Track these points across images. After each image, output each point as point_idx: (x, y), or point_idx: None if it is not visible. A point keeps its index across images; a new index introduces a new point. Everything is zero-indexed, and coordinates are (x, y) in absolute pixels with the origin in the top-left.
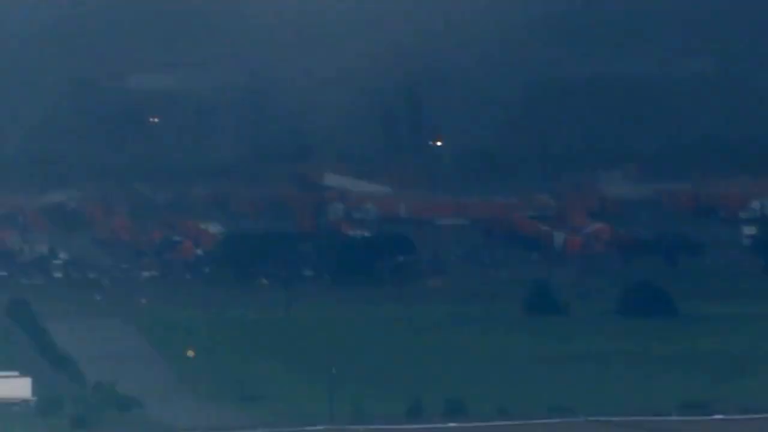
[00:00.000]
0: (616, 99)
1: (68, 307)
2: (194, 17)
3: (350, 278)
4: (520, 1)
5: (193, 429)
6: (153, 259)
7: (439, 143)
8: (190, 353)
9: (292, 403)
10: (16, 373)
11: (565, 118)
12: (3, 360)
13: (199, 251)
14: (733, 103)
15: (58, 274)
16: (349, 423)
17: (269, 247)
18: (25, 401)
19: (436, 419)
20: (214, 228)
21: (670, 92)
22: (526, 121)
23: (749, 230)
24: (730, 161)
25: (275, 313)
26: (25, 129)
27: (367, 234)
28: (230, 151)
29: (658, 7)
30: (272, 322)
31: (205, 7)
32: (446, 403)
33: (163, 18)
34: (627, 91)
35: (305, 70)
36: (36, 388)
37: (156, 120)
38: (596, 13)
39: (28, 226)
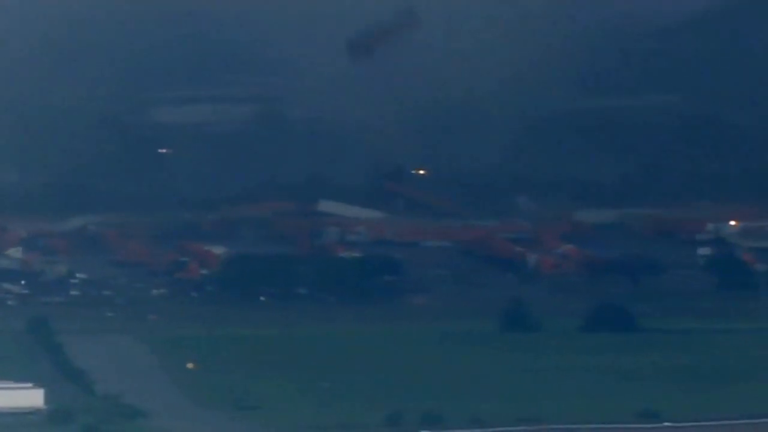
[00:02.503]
0: (587, 131)
1: (84, 324)
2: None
3: (342, 296)
4: (483, 29)
5: None
6: (162, 279)
7: (422, 172)
8: (190, 366)
9: (285, 413)
10: (30, 384)
11: (538, 149)
12: (20, 372)
13: (204, 271)
14: (693, 136)
15: (75, 293)
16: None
17: (268, 267)
18: (38, 410)
19: (414, 429)
20: (218, 250)
21: (635, 125)
22: (504, 152)
23: (705, 251)
24: (689, 188)
25: (272, 329)
26: (49, 160)
27: (358, 256)
28: (236, 180)
29: (625, 45)
30: (269, 337)
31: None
32: (425, 413)
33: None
34: (597, 124)
35: (306, 108)
36: (49, 399)
37: (167, 151)
38: (565, 51)
39: (50, 249)
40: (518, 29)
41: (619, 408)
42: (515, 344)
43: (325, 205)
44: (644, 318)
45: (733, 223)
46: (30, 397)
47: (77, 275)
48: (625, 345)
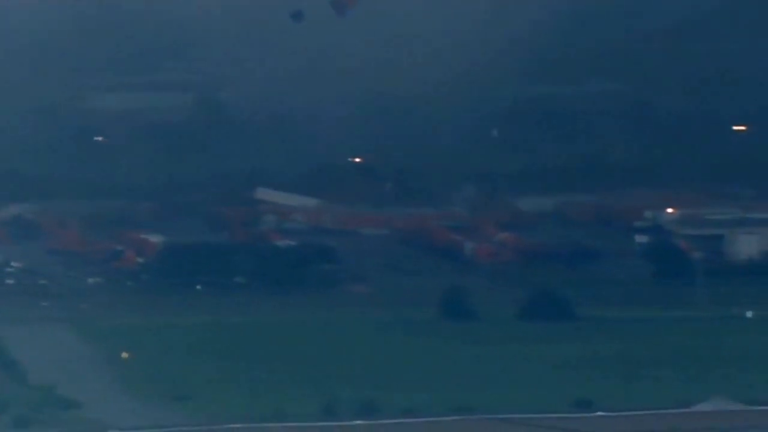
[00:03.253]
0: (524, 117)
1: (18, 313)
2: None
3: (278, 285)
4: (423, 18)
5: (127, 428)
6: (98, 268)
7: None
8: (124, 355)
9: (219, 402)
10: None
11: (474, 135)
12: None
13: (140, 260)
14: (630, 122)
15: (10, 281)
16: (267, 421)
17: (205, 256)
18: None
19: (348, 417)
20: (154, 239)
21: (573, 111)
22: (440, 139)
23: (643, 239)
24: (626, 175)
25: (208, 318)
26: None
27: (294, 244)
28: (172, 168)
29: (563, 32)
30: (205, 326)
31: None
32: (360, 402)
33: (116, 41)
34: (534, 110)
35: (244, 94)
36: None
37: (104, 139)
38: (507, 33)
39: None
40: (457, 16)
41: (553, 397)
42: (452, 332)
43: (262, 193)
44: (581, 306)
45: (670, 210)
46: None
47: (12, 264)
48: (561, 333)
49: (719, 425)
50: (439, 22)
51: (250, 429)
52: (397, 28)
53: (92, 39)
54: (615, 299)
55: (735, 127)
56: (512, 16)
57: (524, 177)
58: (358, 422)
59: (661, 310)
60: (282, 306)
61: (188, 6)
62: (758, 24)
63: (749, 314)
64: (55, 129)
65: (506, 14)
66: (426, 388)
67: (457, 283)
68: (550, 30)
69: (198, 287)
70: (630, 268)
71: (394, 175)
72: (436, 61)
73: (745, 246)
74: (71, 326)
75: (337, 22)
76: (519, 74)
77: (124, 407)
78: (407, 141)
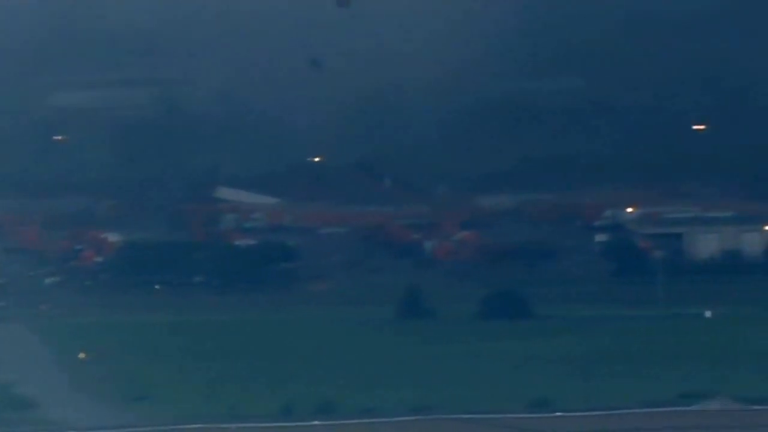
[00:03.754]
0: (485, 116)
1: None
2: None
3: (238, 283)
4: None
5: (85, 428)
6: (57, 266)
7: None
8: (81, 355)
9: (178, 402)
10: None
11: (434, 134)
12: None
13: (99, 259)
14: (589, 122)
15: None
16: (225, 421)
17: (164, 255)
18: None
19: (307, 417)
20: (113, 237)
21: (532, 110)
22: (401, 137)
23: (602, 237)
24: (585, 175)
25: (167, 317)
26: None
27: (254, 242)
28: (132, 167)
29: (523, 30)
30: (164, 325)
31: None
32: (318, 402)
33: (78, 39)
34: (493, 108)
35: (207, 93)
36: None
37: (64, 138)
38: (462, 35)
39: None
40: (416, 17)
41: (512, 396)
42: (412, 330)
43: (222, 192)
44: (541, 304)
45: (630, 209)
46: None
47: None
48: (521, 331)
49: (680, 424)
50: (401, 22)
51: (207, 430)
52: (358, 28)
53: (52, 36)
54: (574, 297)
55: (695, 127)
56: (475, 14)
57: (485, 176)
58: (317, 423)
59: (620, 309)
60: (242, 304)
61: (155, 4)
62: (722, 23)
63: (708, 314)
64: (13, 126)
65: (468, 13)
66: (385, 387)
67: (417, 281)
68: (513, 29)
69: (157, 286)
70: (589, 267)
71: (355, 174)
72: (397, 61)
73: (705, 245)
74: (29, 325)
75: (302, 23)
76: (479, 73)
77: (81, 407)
78: (368, 140)
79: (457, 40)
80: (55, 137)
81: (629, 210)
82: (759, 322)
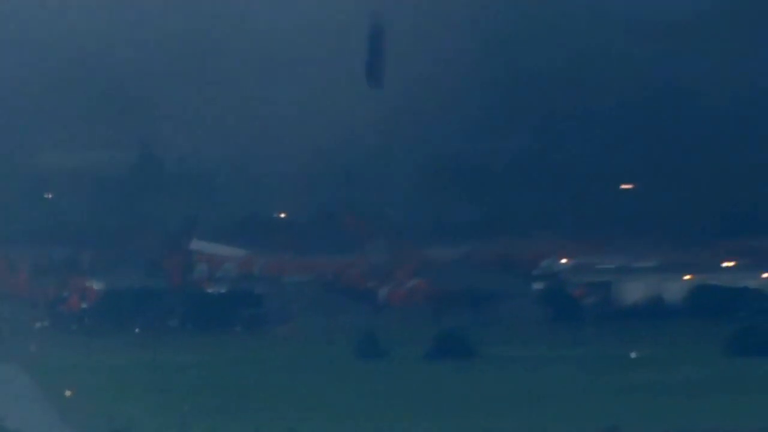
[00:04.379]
0: (436, 174)
1: None
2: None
3: (210, 327)
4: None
5: None
6: (45, 312)
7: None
8: (69, 393)
9: None
10: None
11: (391, 192)
12: None
13: (84, 305)
14: (531, 178)
15: None
16: None
17: (143, 301)
18: None
19: None
20: (97, 285)
21: (480, 166)
22: (359, 193)
23: (539, 285)
24: (526, 226)
25: (145, 358)
26: None
27: (225, 290)
28: (114, 220)
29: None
30: (142, 365)
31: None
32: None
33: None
34: (445, 167)
35: (182, 150)
36: None
37: (51, 195)
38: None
39: None
40: (355, 78)
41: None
42: (365, 371)
43: (197, 244)
44: (484, 345)
45: (564, 260)
46: None
47: None
48: (466, 370)
49: None
50: (344, 79)
51: None
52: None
53: (37, 98)
54: (514, 339)
55: (623, 186)
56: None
57: (436, 227)
58: None
59: (555, 350)
60: (213, 347)
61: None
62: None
63: (633, 355)
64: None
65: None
66: (340, 420)
67: (371, 324)
68: (448, 90)
69: (137, 330)
70: (528, 312)
71: (315, 226)
72: (354, 120)
73: (631, 293)
74: (19, 367)
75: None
76: (428, 130)
77: None
78: (329, 194)
79: (406, 99)
80: (46, 194)
81: (564, 261)
82: (680, 361)
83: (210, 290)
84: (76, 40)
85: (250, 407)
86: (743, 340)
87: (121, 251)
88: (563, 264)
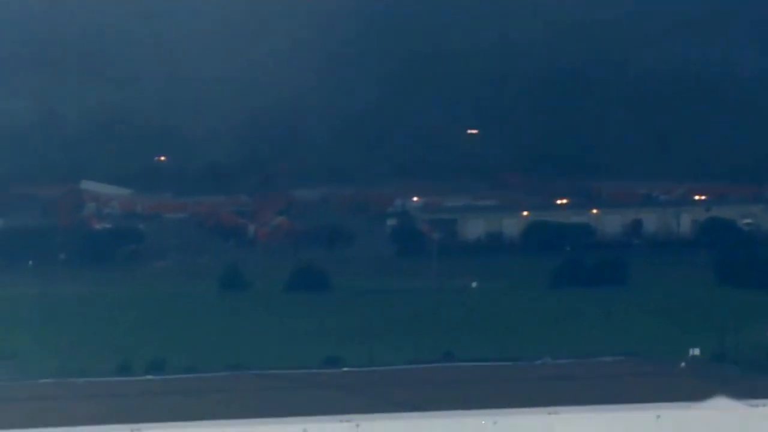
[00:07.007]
0: (301, 118)
1: None
2: None
3: (94, 262)
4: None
5: None
6: None
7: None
8: None
9: (36, 361)
10: None
11: (258, 137)
12: None
13: None
14: (387, 126)
15: None
16: (69, 376)
17: (36, 238)
18: None
19: (141, 373)
20: None
21: (339, 114)
22: (230, 139)
23: (392, 222)
24: (380, 168)
25: (34, 290)
26: None
27: (109, 227)
28: (13, 160)
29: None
30: (32, 297)
31: None
32: (151, 361)
33: None
34: (301, 109)
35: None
36: None
37: None
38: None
39: None
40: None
41: (307, 356)
42: (231, 301)
43: (86, 184)
44: (338, 278)
45: (415, 198)
46: None
47: None
48: (322, 303)
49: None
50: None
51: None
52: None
53: None
54: (367, 273)
55: (469, 131)
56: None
57: (300, 171)
58: (150, 377)
59: (403, 282)
60: (96, 280)
61: None
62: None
63: (474, 284)
64: None
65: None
66: (205, 349)
67: (238, 259)
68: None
69: (30, 263)
70: (380, 248)
71: (191, 169)
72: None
73: (474, 228)
74: None
75: None
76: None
77: None
78: (206, 141)
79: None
80: None
81: (415, 200)
82: (515, 293)
83: (96, 227)
84: None
85: (122, 338)
86: (571, 273)
87: (18, 193)
88: (415, 203)
